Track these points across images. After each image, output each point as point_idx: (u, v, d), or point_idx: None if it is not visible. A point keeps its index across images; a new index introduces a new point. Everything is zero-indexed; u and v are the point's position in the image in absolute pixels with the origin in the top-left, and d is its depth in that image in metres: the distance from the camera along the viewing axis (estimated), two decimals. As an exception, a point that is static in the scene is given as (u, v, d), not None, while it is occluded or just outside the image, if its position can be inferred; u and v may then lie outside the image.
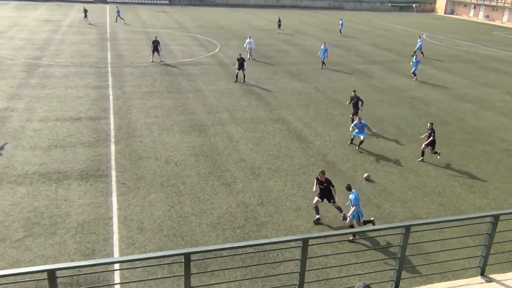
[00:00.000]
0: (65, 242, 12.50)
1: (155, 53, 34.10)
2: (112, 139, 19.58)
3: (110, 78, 29.16)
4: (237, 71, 30.03)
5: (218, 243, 12.81)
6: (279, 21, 54.62)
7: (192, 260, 6.41)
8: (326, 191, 14.00)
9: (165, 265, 11.24)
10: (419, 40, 42.60)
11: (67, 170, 16.54)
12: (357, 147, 19.83)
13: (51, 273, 5.47)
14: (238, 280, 11.00)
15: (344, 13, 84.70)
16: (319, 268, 10.78)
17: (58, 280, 5.80)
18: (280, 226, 13.92)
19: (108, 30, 48.45)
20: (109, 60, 34.18)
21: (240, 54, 30.58)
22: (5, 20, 51.45)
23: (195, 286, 5.76)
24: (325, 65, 35.72)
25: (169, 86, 28.32)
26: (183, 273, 6.48)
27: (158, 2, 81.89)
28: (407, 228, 7.30)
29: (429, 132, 18.80)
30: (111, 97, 25.28)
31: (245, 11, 78.37)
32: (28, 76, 28.56)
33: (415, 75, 33.35)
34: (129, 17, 60.81)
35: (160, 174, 16.77)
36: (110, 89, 26.88)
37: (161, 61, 34.37)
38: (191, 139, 20.16)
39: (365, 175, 17.33)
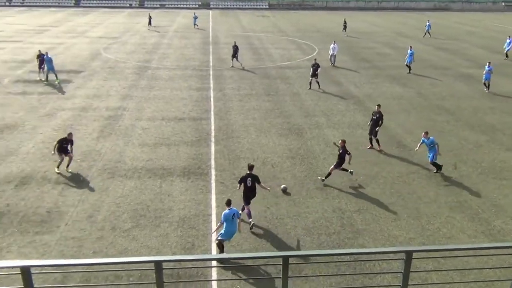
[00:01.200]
0: (167, 235, 13.20)
1: (234, 58, 34.29)
2: (212, 139, 20.34)
3: (211, 81, 30.35)
4: (310, 78, 28.65)
5: (313, 248, 12.70)
6: (345, 23, 53.09)
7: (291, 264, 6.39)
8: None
9: (260, 266, 11.39)
10: (508, 40, 38.41)
11: (171, 167, 17.48)
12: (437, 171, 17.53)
13: (158, 264, 5.77)
14: (333, 287, 10.82)
15: (451, 14, 80.00)
16: (420, 284, 10.23)
17: (163, 272, 6.12)
18: (377, 235, 13.45)
19: (210, 35, 50.52)
20: (211, 63, 35.60)
21: (315, 60, 29.43)
22: (120, 26, 55.85)
23: (294, 290, 5.73)
24: (411, 70, 33.80)
25: (267, 89, 28.76)
26: (279, 276, 6.48)
27: (258, 6, 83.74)
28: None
29: None
30: (212, 99, 26.29)
31: (344, 14, 77.15)
32: (139, 78, 30.69)
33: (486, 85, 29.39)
34: (230, 22, 62.88)
35: (257, 175, 17.02)
36: (211, 91, 27.96)
37: (238, 66, 34.28)
38: (288, 142, 20.26)
39: (282, 186, 15.98)
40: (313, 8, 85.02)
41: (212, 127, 21.77)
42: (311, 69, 28.58)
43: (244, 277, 11.47)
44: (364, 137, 20.88)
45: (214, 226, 13.72)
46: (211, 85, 29.24)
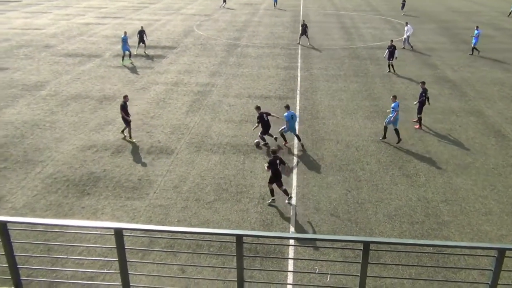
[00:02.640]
0: (248, 210, 13.53)
1: (304, 36, 34.14)
2: (297, 119, 20.26)
3: (299, 60, 30.13)
4: (388, 61, 27.14)
5: (394, 236, 12.35)
6: (404, 0, 49.78)
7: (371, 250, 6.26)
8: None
9: (337, 248, 11.30)
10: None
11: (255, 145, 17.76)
12: None
13: (239, 238, 5.92)
14: (413, 278, 10.45)
15: None
16: (509, 284, 9.56)
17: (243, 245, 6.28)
18: (465, 229, 12.73)
19: (301, 13, 49.93)
20: (299, 42, 35.27)
21: (391, 41, 27.57)
22: (212, 4, 57.03)
23: (370, 276, 5.63)
24: (479, 52, 31.25)
25: (356, 69, 27.98)
26: (357, 260, 6.39)
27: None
28: None
29: None
30: (299, 78, 26.15)
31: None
32: (228, 55, 31.30)
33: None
34: (322, 0, 61.60)
35: (340, 157, 16.81)
36: (299, 70, 27.79)
37: (309, 44, 34.16)
38: (374, 125, 19.66)
39: (255, 141, 17.50)
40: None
41: (297, 107, 21.70)
42: (387, 51, 27.06)
43: (322, 259, 11.48)
44: (458, 125, 19.68)
45: (293, 205, 13.82)
46: (299, 64, 29.05)
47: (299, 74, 26.91)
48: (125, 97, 17.74)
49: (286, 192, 13.94)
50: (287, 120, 17.21)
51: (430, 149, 17.47)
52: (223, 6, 53.79)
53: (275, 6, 53.74)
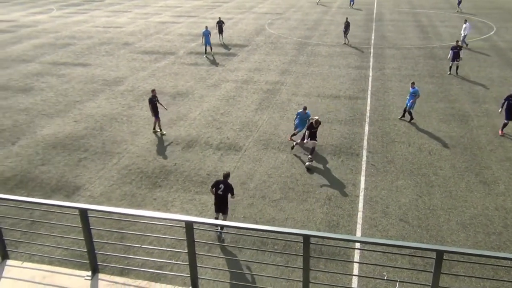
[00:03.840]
0: (313, 210, 13.43)
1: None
2: (367, 119, 19.84)
3: (371, 59, 29.40)
4: (451, 62, 25.40)
5: (467, 246, 11.74)
6: None
7: (445, 259, 5.99)
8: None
9: (406, 255, 10.92)
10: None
11: (323, 144, 17.58)
12: None
13: (307, 238, 5.89)
14: (487, 291, 9.91)
15: None
16: None
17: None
18: (548, 243, 11.81)
19: (375, 11, 48.68)
20: (372, 41, 34.42)
21: (457, 42, 25.64)
22: (284, 2, 57.08)
23: (442, 287, 5.38)
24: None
25: (431, 70, 26.84)
26: (428, 269, 6.13)
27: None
28: None
29: None
30: (370, 78, 25.52)
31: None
32: (298, 53, 31.20)
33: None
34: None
35: (411, 161, 16.22)
36: (370, 70, 27.12)
37: (346, 42, 33.61)
38: (450, 128, 18.76)
39: (307, 164, 15.92)
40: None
41: (368, 107, 21.21)
42: (451, 52, 25.17)
43: (389, 265, 11.15)
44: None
45: (361, 207, 13.54)
46: (371, 64, 28.35)
47: (370, 74, 26.26)
48: (153, 91, 18.27)
49: (221, 228, 12.10)
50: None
51: (511, 155, 16.38)
52: (318, 3, 54.71)
53: (351, 5, 52.37)
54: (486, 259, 10.67)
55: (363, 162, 16.25)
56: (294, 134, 17.67)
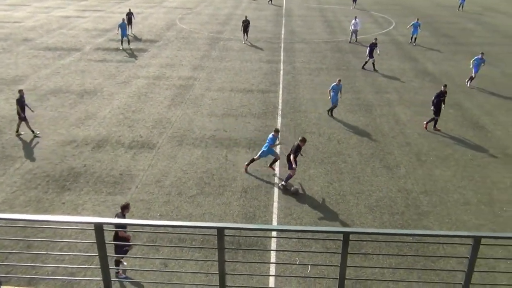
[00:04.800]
0: (230, 204, 13.55)
1: (245, 34, 32.67)
2: (279, 112, 20.35)
3: (282, 53, 30.16)
4: (367, 58, 26.45)
5: (375, 227, 12.52)
6: None
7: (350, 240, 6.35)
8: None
9: (319, 240, 11.41)
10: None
11: (237, 138, 17.77)
12: None
13: (221, 231, 5.94)
14: (393, 267, 10.64)
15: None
16: (487, 271, 9.76)
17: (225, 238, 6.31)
18: (444, 219, 12.96)
19: (284, 7, 49.90)
20: (282, 36, 35.30)
21: (375, 39, 26.75)
22: (195, -3, 56.63)
23: (350, 266, 5.71)
24: (415, 42, 32.86)
25: (338, 63, 28.14)
26: (338, 251, 6.46)
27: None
28: None
29: None
30: (281, 72, 26.18)
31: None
32: (210, 48, 31.16)
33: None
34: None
35: (322, 150, 16.93)
36: (281, 64, 27.82)
37: (247, 41, 32.75)
38: (356, 118, 19.82)
39: (292, 188, 14.23)
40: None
41: (280, 100, 21.76)
42: (368, 48, 26.42)
43: (304, 250, 11.59)
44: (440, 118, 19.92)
45: (276, 198, 13.89)
46: (282, 58, 29.08)
47: (281, 68, 26.95)
48: (20, 91, 17.44)
49: (117, 273, 10.49)
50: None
51: (410, 141, 17.71)
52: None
53: (269, 2, 51.84)
54: (390, 237, 11.50)
55: (278, 151, 16.63)
56: (253, 160, 15.29)
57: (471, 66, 24.04)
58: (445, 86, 18.77)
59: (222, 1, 53.51)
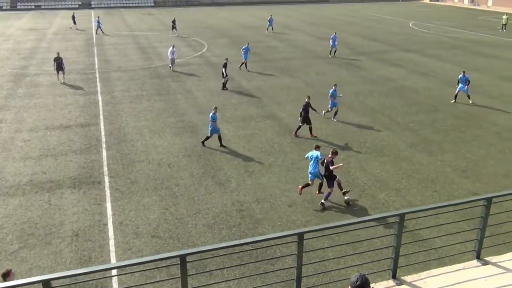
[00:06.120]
0: (61, 252, 12.41)
1: (60, 72, 29.02)
2: (104, 145, 19.48)
3: (98, 84, 28.99)
4: (225, 77, 27.85)
5: (215, 243, 12.78)
6: (173, 22, 48.90)
7: (188, 262, 6.38)
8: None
9: (163, 268, 11.18)
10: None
11: (60, 179, 16.42)
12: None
13: (46, 283, 5.42)
14: (237, 278, 10.97)
15: (331, 5, 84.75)
16: (317, 262, 10.78)
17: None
18: (276, 222, 13.91)
19: (94, 36, 48.14)
20: (96, 66, 33.99)
21: (226, 59, 28.70)
22: (-10, 31, 50.99)
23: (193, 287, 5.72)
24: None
25: (158, 88, 28.20)
26: (180, 275, 6.44)
27: (143, 4, 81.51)
28: (402, 216, 7.31)
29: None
30: (100, 103, 25.14)
31: (232, 9, 78.23)
32: (15, 86, 28.33)
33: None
34: (115, 21, 60.43)
35: (153, 177, 16.69)
36: (99, 94, 26.73)
37: (64, 82, 29.08)
38: (183, 140, 20.09)
39: (346, 198, 15.02)
40: (200, 4, 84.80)
41: (103, 133, 20.83)
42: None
43: (146, 282, 11.19)
44: (258, 129, 21.41)
45: (111, 234, 13.19)
46: (99, 88, 27.94)
47: (100, 99, 25.87)
48: None
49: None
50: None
51: (237, 155, 18.62)
52: (75, 28, 50.97)
53: (97, 32, 48.72)
54: (232, 249, 11.86)
55: (106, 189, 15.87)
56: (307, 185, 15.08)
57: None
58: (309, 97, 20.73)
59: (23, 34, 49.22)
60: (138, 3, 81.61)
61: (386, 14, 69.92)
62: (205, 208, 14.66)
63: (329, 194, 14.70)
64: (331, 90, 22.36)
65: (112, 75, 31.27)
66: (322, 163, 14.87)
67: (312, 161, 14.92)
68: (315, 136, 20.45)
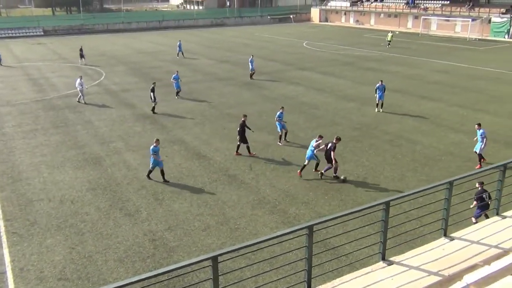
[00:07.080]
0: (-49, 310, 11.09)
1: None
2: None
3: (-15, 121, 26.67)
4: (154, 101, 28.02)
5: (129, 277, 12.22)
6: (81, 51, 46.98)
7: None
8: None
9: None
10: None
11: None
12: None
13: None
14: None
15: (227, 29, 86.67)
16: (235, 282, 10.74)
17: None
18: (191, 248, 13.69)
19: (-24, 69, 44.36)
20: (-19, 101, 31.25)
21: (154, 83, 28.72)
22: None
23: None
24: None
25: (54, 121, 26.65)
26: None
27: (31, 33, 76.85)
28: (310, 228, 7.58)
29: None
30: (-12, 141, 23.11)
31: (127, 35, 76.77)
32: None
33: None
34: (1, 52, 56.29)
35: (55, 216, 15.62)
36: (-13, 132, 24.58)
37: None
38: (86, 173, 19.11)
39: (342, 177, 18.21)
40: (93, 31, 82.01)
41: (-7, 173, 19.13)
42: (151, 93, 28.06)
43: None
44: (165, 155, 21.04)
45: (11, 283, 12.06)
46: (-14, 126, 25.70)
47: (-12, 137, 23.78)
48: None
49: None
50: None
51: (145, 184, 18.10)
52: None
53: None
54: (147, 281, 11.41)
55: (2, 234, 14.53)
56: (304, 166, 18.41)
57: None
58: (245, 116, 20.95)
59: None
60: (26, 32, 76.80)
61: (280, 35, 73.10)
62: (115, 242, 14.00)
63: (328, 167, 18.07)
64: (278, 113, 22.32)
65: (0, 111, 28.96)
66: (326, 146, 17.94)
67: (309, 146, 18.42)
68: (254, 155, 20.65)
